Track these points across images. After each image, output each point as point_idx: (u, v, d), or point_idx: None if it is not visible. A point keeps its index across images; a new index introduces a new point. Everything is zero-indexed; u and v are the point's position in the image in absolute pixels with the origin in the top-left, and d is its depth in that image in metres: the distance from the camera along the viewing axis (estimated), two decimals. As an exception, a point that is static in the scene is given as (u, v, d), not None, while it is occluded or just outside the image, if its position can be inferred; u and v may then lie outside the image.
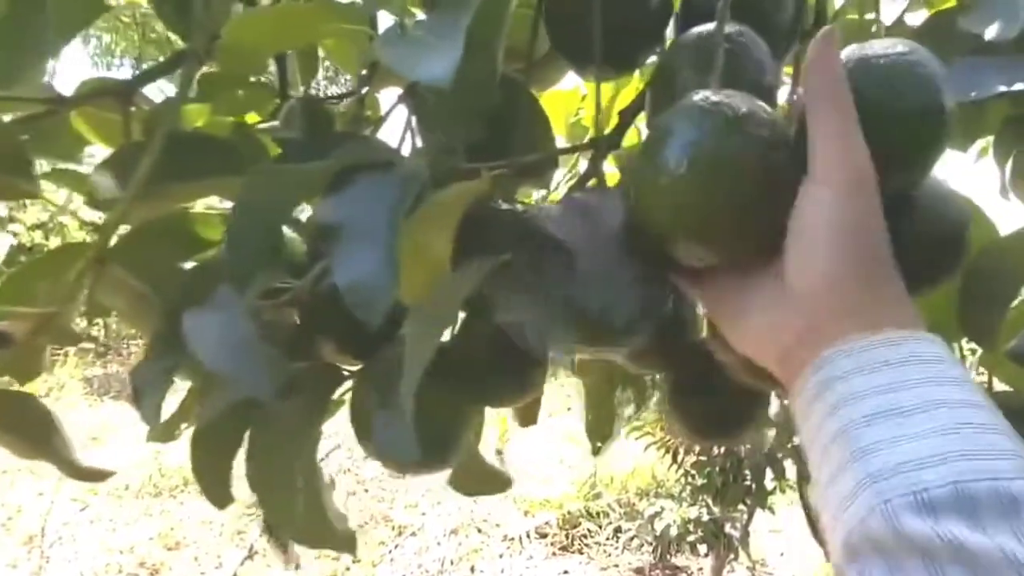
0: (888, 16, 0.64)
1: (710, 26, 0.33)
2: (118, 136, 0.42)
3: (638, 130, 0.46)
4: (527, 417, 0.53)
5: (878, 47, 0.29)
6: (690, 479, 2.00)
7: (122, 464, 2.84)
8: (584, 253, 0.32)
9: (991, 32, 0.51)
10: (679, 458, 2.02)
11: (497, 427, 2.91)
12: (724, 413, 0.42)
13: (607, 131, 0.41)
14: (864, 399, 0.24)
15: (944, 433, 0.22)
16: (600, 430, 0.54)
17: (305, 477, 0.43)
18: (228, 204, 0.50)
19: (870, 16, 0.65)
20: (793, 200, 0.27)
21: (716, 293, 0.31)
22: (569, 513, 2.68)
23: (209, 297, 0.33)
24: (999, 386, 0.45)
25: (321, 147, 0.35)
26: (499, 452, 3.22)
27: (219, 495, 0.40)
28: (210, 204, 0.52)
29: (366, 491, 3.08)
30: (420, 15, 0.43)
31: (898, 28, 0.64)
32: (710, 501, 1.96)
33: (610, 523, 2.62)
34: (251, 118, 0.46)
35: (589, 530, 2.61)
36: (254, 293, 0.33)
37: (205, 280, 0.36)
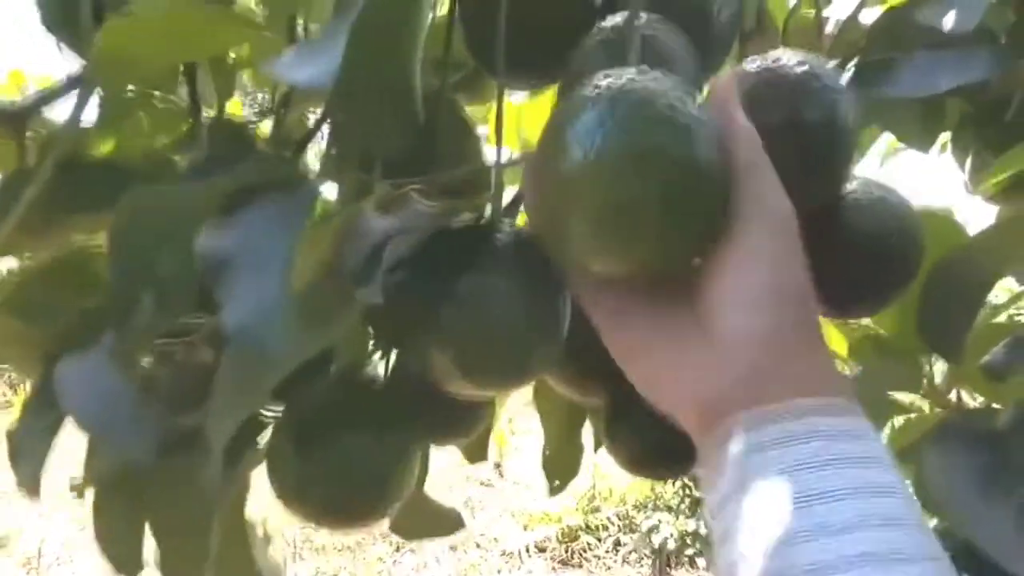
0: (843, 12, 0.61)
1: (619, 17, 0.29)
2: (12, 165, 0.39)
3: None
4: (475, 453, 0.49)
5: (782, 62, 0.27)
6: (688, 491, 1.95)
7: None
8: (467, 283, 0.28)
9: (948, 23, 0.48)
10: (675, 470, 1.98)
11: (496, 442, 2.87)
12: (663, 444, 0.38)
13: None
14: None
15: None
16: (560, 468, 0.51)
17: (230, 527, 0.39)
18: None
19: (823, 14, 0.62)
20: (714, 204, 0.24)
21: (618, 322, 0.27)
22: (568, 527, 2.64)
23: (92, 343, 0.30)
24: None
25: (221, 169, 0.32)
26: (498, 466, 3.18)
27: (125, 559, 0.36)
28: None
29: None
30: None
31: (852, 25, 0.61)
32: (708, 514, 1.92)
33: (609, 536, 2.58)
34: (163, 142, 0.43)
35: (588, 544, 2.57)
36: (135, 336, 0.30)
37: (89, 324, 0.32)
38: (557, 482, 0.56)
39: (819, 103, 0.27)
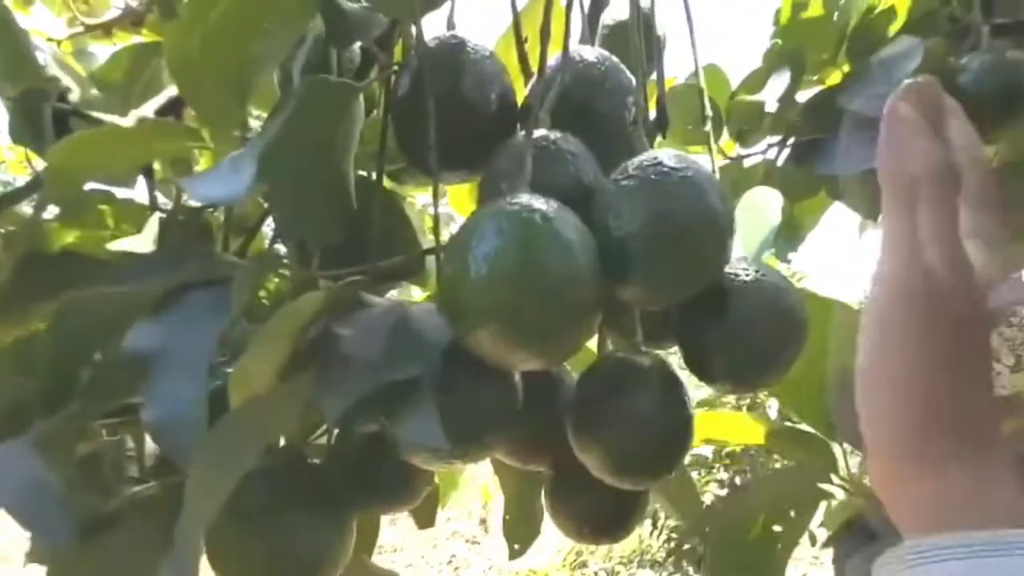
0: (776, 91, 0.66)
1: (538, 132, 0.33)
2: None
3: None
4: (424, 518, 0.50)
5: (661, 161, 0.30)
6: (672, 545, 1.93)
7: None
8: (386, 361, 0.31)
9: (867, 106, 0.53)
10: (659, 523, 1.96)
11: (480, 496, 2.83)
12: (605, 512, 0.40)
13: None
14: None
15: None
16: (519, 532, 0.52)
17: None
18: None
19: (758, 97, 0.67)
20: (593, 304, 0.27)
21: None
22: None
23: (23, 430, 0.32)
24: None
25: (166, 263, 0.35)
26: (483, 521, 3.12)
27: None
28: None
29: None
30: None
31: (788, 104, 0.66)
32: (692, 569, 1.90)
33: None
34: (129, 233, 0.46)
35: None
36: (71, 422, 0.31)
37: (20, 411, 0.34)
38: (517, 546, 0.57)
39: (696, 201, 0.30)
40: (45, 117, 0.36)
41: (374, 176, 0.41)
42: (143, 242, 0.43)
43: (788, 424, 0.46)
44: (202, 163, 0.51)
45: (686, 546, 1.86)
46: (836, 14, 0.67)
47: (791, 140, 0.67)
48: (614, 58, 0.39)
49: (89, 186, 0.44)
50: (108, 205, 0.44)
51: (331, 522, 0.36)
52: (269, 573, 0.34)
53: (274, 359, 0.30)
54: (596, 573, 2.57)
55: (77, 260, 0.42)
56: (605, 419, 0.35)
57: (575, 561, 2.68)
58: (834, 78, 0.68)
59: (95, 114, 0.40)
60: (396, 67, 0.39)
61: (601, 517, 0.41)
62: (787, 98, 0.65)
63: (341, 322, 0.31)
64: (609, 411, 0.35)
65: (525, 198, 0.29)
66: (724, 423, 0.55)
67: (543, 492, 0.43)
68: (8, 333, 0.40)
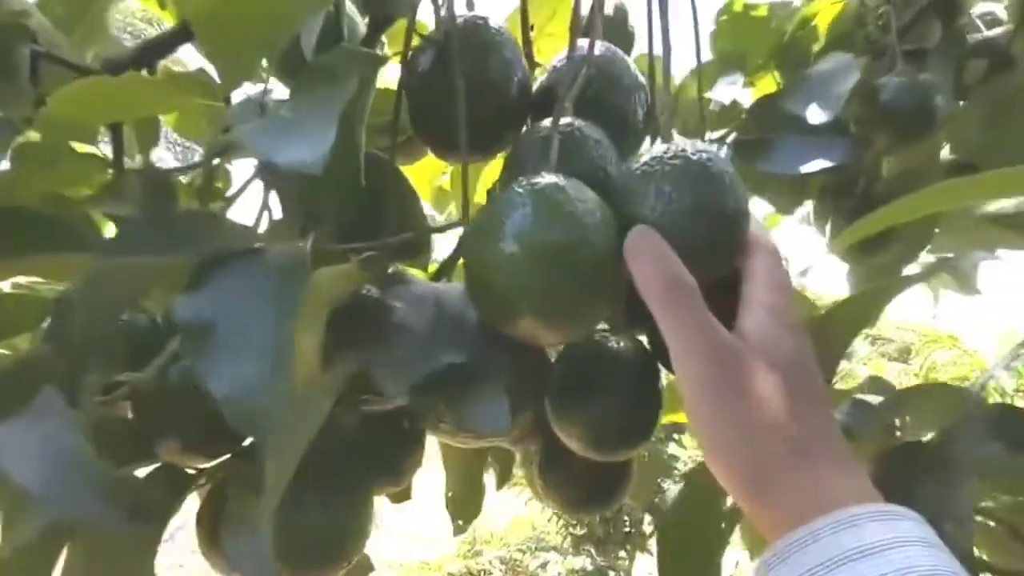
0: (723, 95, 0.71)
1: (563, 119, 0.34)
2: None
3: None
4: (401, 493, 0.50)
5: (685, 148, 0.32)
6: (571, 529, 2.01)
7: None
8: (441, 339, 0.31)
9: (810, 114, 0.58)
10: (558, 508, 2.03)
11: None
12: (594, 484, 0.42)
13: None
14: None
15: None
16: (464, 508, 0.53)
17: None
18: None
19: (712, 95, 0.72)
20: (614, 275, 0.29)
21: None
22: (450, 574, 2.59)
23: (28, 403, 0.28)
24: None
25: (165, 226, 0.32)
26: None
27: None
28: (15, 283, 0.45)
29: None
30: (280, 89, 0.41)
31: (733, 108, 0.72)
32: (593, 550, 1.98)
33: (492, 581, 2.56)
34: (79, 191, 0.41)
35: (471, 590, 2.54)
36: (86, 399, 0.28)
37: (19, 382, 0.30)
38: (460, 522, 0.57)
39: (721, 187, 0.31)
40: (21, 58, 0.32)
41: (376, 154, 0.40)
42: (115, 202, 0.39)
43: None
44: (169, 121, 0.47)
45: (583, 531, 1.94)
46: (773, 22, 0.73)
47: (731, 137, 0.72)
48: (620, 52, 0.40)
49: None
50: (67, 160, 0.39)
51: (350, 500, 0.35)
52: (291, 554, 0.32)
53: (318, 331, 0.29)
54: (491, 561, 2.61)
55: (28, 216, 0.38)
56: (580, 395, 0.36)
57: (469, 551, 2.70)
58: (766, 84, 0.74)
59: (67, 59, 0.36)
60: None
61: (588, 489, 0.43)
62: (732, 102, 0.70)
63: (390, 294, 0.30)
64: (584, 387, 0.36)
65: (550, 177, 0.29)
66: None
67: (533, 469, 0.44)
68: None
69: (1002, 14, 0.72)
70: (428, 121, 0.38)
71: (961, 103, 0.68)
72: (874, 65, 0.67)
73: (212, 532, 0.36)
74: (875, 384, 0.50)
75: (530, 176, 0.30)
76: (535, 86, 0.40)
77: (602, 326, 0.38)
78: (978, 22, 0.75)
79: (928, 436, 0.43)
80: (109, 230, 0.46)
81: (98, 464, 0.25)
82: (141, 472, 0.40)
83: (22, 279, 0.44)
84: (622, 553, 1.96)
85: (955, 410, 0.42)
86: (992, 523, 0.41)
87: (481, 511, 0.57)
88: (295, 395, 0.26)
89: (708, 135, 0.75)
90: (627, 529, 1.88)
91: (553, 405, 0.36)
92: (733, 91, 0.69)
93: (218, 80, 0.33)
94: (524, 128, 0.39)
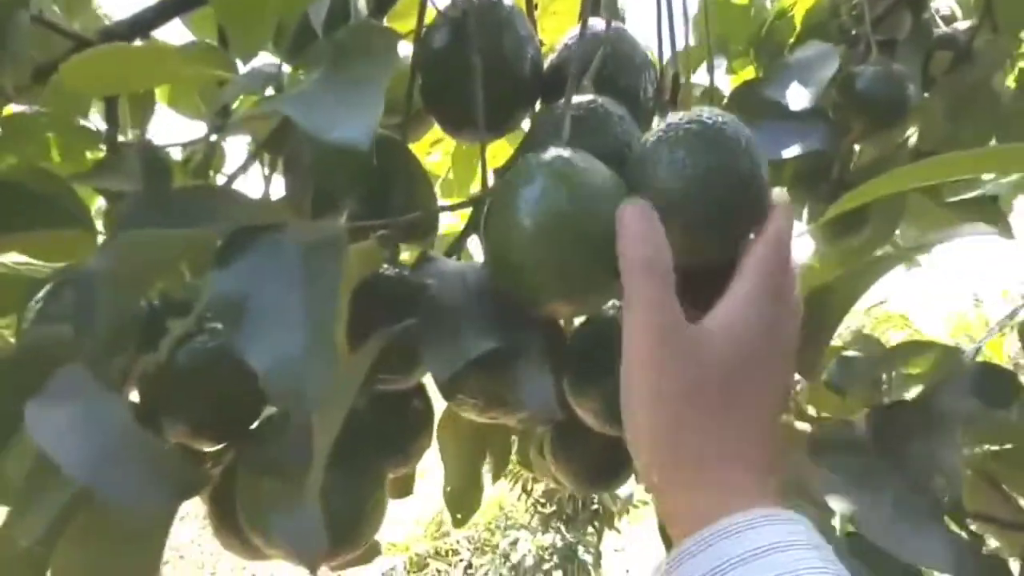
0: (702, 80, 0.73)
1: (577, 97, 0.34)
2: None
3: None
4: (403, 488, 0.50)
5: (704, 115, 0.32)
6: (540, 508, 2.04)
7: None
8: (480, 317, 0.31)
9: (791, 99, 0.60)
10: (529, 488, 2.06)
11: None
12: (606, 460, 0.43)
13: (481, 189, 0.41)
14: None
15: None
16: (463, 501, 0.53)
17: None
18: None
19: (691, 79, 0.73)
20: None
21: None
22: (417, 555, 2.60)
23: (51, 384, 0.27)
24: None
25: (165, 202, 0.31)
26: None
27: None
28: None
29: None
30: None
31: (711, 89, 0.73)
32: (563, 527, 2.01)
33: (461, 560, 2.58)
34: (68, 166, 0.39)
35: (439, 570, 2.55)
36: (119, 381, 0.28)
37: (32, 366, 0.29)
38: (459, 515, 0.57)
39: (736, 150, 0.31)
40: (20, 24, 0.30)
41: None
42: (111, 177, 0.37)
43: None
44: (162, 96, 0.45)
45: (551, 509, 1.97)
46: (753, 11, 0.74)
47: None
48: (628, 30, 0.41)
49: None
50: (56, 132, 0.38)
51: (364, 483, 0.35)
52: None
53: (343, 310, 0.29)
54: (459, 541, 2.63)
55: (16, 190, 0.36)
56: (598, 370, 0.36)
57: (437, 531, 2.71)
58: (746, 72, 0.76)
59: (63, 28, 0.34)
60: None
61: (600, 465, 0.44)
62: (711, 86, 0.71)
63: (421, 272, 0.30)
64: (601, 363, 0.36)
65: (557, 150, 0.30)
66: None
67: (547, 446, 0.44)
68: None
69: (958, 11, 0.75)
70: (443, 98, 0.38)
71: (926, 94, 0.71)
72: (848, 54, 0.69)
73: (226, 513, 0.36)
74: (862, 341, 0.52)
75: (539, 151, 0.30)
76: (546, 64, 0.40)
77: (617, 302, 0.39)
78: (936, 17, 0.78)
79: (913, 392, 0.46)
80: (97, 207, 0.45)
81: (155, 445, 0.24)
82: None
83: (4, 258, 0.42)
84: (590, 530, 2.00)
85: (941, 367, 0.44)
86: (970, 472, 0.43)
87: (480, 505, 0.57)
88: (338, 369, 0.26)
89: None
90: (595, 507, 1.92)
91: (571, 381, 0.36)
92: (717, 76, 0.70)
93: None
94: (537, 106, 0.39)
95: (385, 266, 0.36)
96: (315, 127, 0.24)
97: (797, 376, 0.51)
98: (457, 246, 0.42)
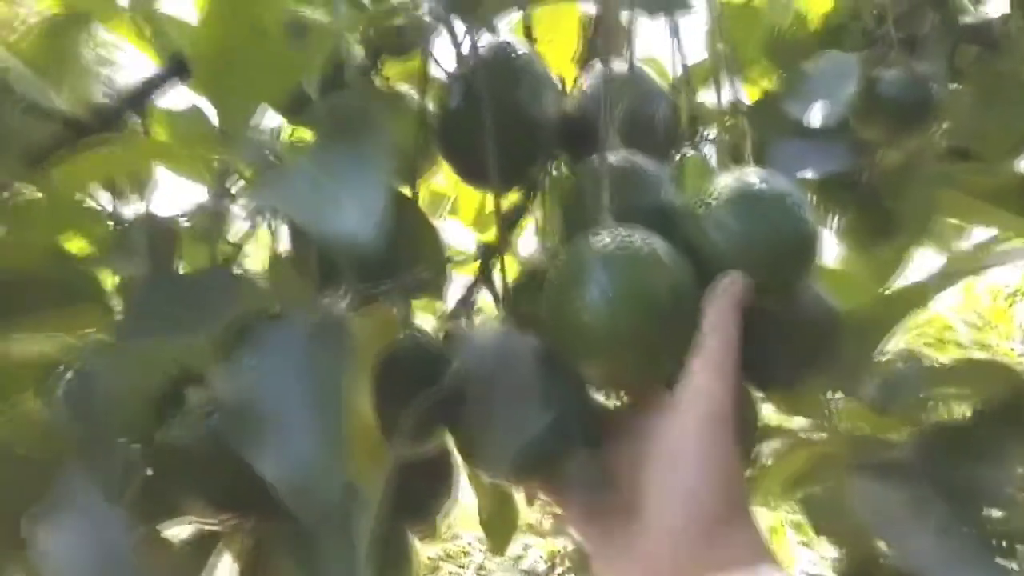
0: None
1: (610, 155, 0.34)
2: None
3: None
4: (500, 542, 0.51)
5: (752, 178, 0.32)
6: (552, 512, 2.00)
7: None
8: (500, 385, 0.31)
9: (814, 117, 0.57)
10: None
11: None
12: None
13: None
14: None
15: None
16: (501, 529, 0.53)
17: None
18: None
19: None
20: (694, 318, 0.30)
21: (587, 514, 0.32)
22: (428, 558, 2.58)
23: (51, 493, 0.26)
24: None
25: (171, 289, 0.30)
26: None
27: None
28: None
29: None
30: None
31: (736, 107, 0.71)
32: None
33: (472, 562, 2.55)
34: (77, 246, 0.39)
35: (450, 573, 2.53)
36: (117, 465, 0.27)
37: (36, 474, 0.28)
38: (499, 542, 0.57)
39: (795, 215, 0.32)
40: (7, 120, 0.29)
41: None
42: (119, 258, 0.37)
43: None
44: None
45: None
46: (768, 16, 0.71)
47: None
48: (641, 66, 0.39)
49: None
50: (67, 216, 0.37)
51: (389, 552, 0.34)
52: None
53: (366, 385, 0.28)
54: (470, 543, 2.59)
55: (24, 276, 0.35)
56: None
57: (447, 533, 2.68)
58: (763, 82, 0.73)
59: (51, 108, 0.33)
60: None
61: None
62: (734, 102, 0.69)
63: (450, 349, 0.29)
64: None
65: (624, 232, 0.30)
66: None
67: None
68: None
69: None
70: (458, 157, 0.38)
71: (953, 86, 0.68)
72: (868, 55, 0.67)
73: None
74: (906, 356, 0.50)
75: (597, 228, 0.30)
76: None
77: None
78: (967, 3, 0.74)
79: (964, 413, 0.44)
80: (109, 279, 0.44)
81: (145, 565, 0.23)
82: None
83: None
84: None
85: (994, 386, 0.42)
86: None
87: (517, 527, 0.57)
88: (354, 469, 0.25)
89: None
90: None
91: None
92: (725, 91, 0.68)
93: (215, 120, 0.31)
94: (562, 155, 0.39)
95: (402, 335, 0.35)
96: (310, 223, 0.23)
97: (837, 393, 0.49)
98: (468, 299, 0.41)
